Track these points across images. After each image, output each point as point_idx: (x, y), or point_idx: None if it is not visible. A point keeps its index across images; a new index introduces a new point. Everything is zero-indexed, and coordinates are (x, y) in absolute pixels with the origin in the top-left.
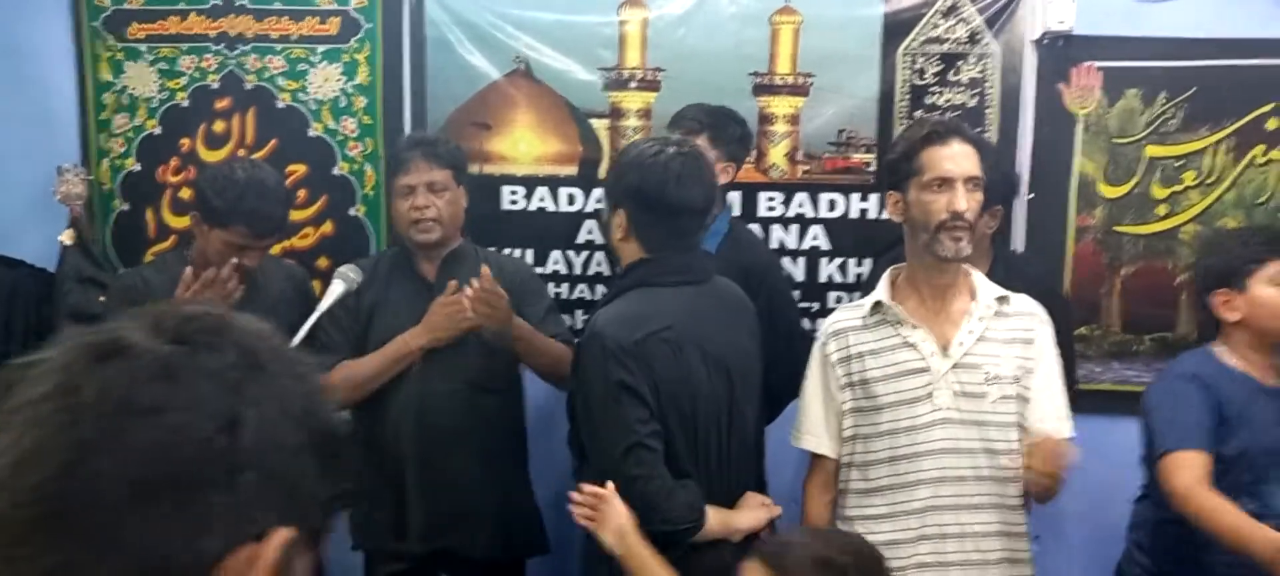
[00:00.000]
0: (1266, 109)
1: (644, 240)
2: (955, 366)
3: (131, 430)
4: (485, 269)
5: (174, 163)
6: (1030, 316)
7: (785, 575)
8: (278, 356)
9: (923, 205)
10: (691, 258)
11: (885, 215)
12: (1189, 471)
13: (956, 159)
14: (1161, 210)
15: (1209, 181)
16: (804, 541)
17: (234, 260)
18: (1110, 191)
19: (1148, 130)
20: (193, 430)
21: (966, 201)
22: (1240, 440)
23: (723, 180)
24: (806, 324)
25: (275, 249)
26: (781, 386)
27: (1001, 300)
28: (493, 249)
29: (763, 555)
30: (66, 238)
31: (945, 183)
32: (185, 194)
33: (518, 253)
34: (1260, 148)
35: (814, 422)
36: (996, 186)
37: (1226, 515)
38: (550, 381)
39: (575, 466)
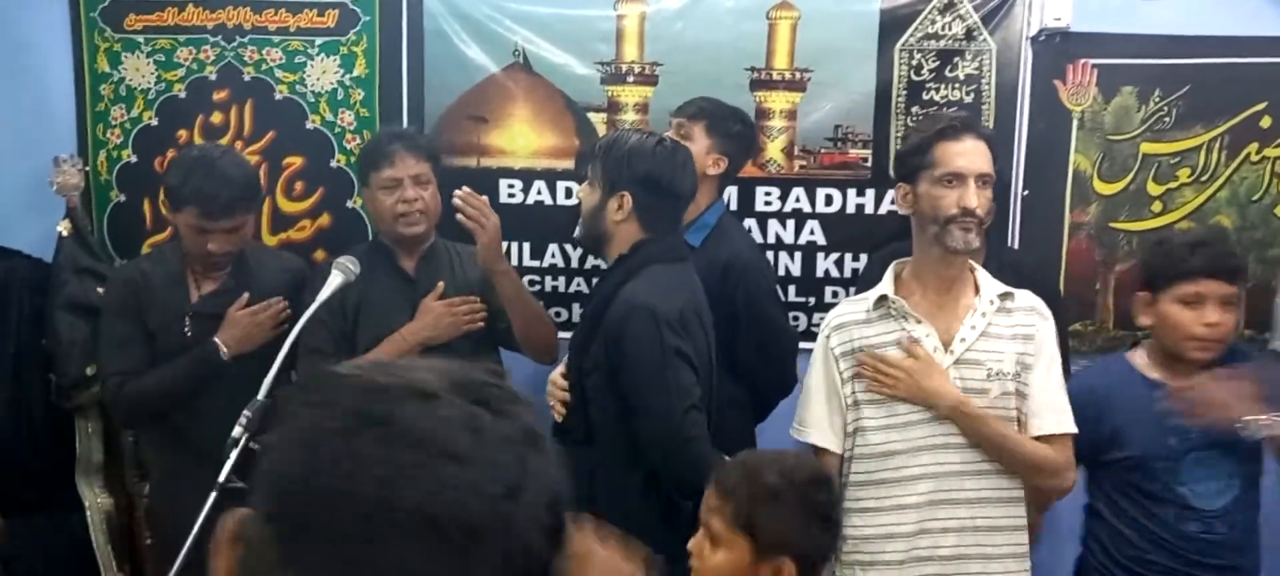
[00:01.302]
0: (1260, 107)
1: (646, 223)
2: (957, 362)
3: (439, 469)
4: (482, 199)
5: (171, 154)
6: (1031, 312)
7: (723, 485)
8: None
9: (933, 199)
10: (679, 238)
11: (882, 210)
12: None
13: (969, 155)
14: (1156, 207)
15: (1203, 179)
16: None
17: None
18: (1105, 188)
19: (1143, 127)
20: (486, 486)
21: (977, 198)
22: (1138, 446)
23: (713, 172)
24: (803, 319)
25: (272, 241)
26: (769, 386)
27: (1005, 296)
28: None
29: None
30: (63, 228)
31: (957, 178)
32: None
33: (515, 246)
34: (1254, 145)
35: (817, 416)
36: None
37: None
38: (527, 346)
39: (569, 452)
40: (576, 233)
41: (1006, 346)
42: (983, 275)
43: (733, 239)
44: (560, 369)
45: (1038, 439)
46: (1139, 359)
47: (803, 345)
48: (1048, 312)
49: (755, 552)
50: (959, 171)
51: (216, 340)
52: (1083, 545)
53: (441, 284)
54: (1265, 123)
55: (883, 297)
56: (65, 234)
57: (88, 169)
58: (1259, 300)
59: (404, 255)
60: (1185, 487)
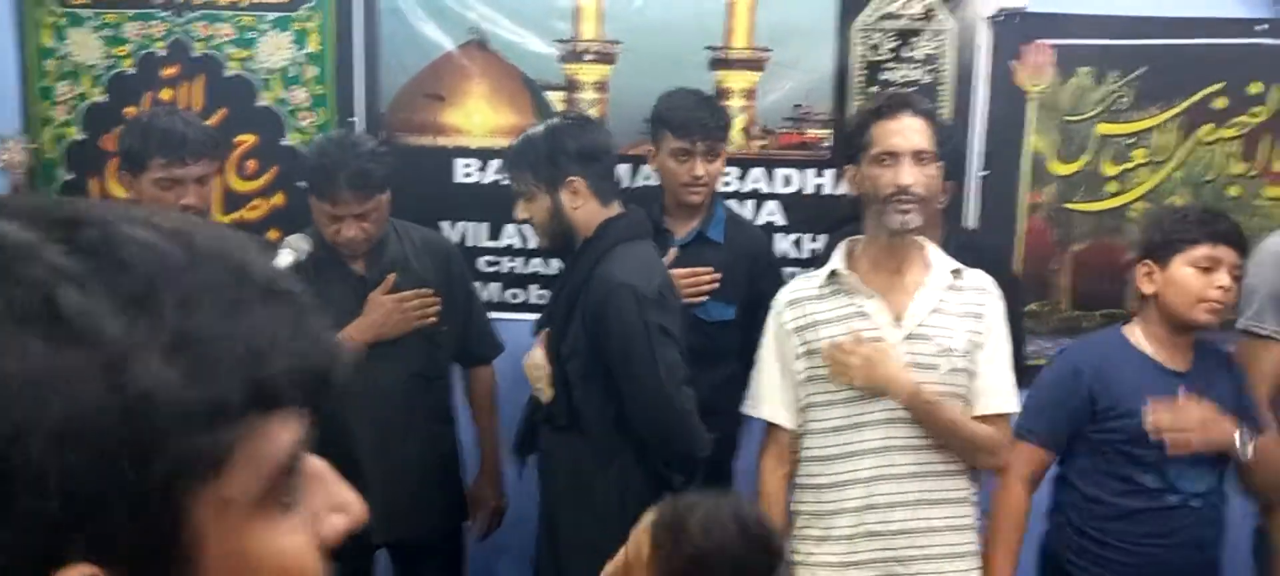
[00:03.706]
0: (1215, 88)
1: (602, 194)
2: (908, 337)
3: None
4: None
5: (119, 132)
6: (981, 291)
7: (655, 532)
8: None
9: (872, 179)
10: (640, 213)
11: (840, 191)
12: (1020, 463)
13: (904, 133)
14: (1112, 187)
15: (1158, 159)
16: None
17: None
18: (1061, 168)
19: (1099, 108)
20: None
21: (913, 176)
22: (1136, 420)
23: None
24: None
25: (225, 220)
26: None
27: (955, 273)
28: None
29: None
30: None
31: (892, 156)
32: None
33: (471, 226)
34: (1208, 126)
35: (770, 392)
36: (948, 162)
37: (999, 520)
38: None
39: (546, 438)
40: (543, 244)
41: (957, 323)
42: (934, 251)
43: (748, 227)
44: (538, 350)
45: (982, 417)
46: (1134, 335)
47: None
48: (996, 291)
49: None
50: (893, 149)
51: None
52: (1049, 518)
53: (392, 277)
54: (1220, 104)
55: (834, 273)
56: None
57: (34, 146)
58: None
59: (350, 257)
60: (1174, 469)
